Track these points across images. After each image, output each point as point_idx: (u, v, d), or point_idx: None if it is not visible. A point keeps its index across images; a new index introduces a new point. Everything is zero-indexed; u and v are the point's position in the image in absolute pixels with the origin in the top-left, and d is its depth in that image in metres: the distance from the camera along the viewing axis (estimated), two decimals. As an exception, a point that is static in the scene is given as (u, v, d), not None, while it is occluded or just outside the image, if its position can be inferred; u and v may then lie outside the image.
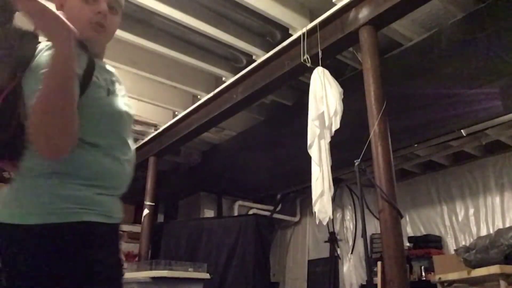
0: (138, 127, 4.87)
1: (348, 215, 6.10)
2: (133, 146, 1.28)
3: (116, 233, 1.22)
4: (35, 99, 0.99)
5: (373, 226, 5.24)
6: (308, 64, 2.96)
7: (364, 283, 5.47)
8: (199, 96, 4.27)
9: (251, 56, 3.61)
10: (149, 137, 4.90)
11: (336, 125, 2.67)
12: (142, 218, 4.69)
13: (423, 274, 4.89)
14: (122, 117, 1.22)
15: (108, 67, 1.32)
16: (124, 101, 1.27)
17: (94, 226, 1.09)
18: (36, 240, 1.02)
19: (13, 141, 1.10)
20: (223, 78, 3.96)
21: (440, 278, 3.56)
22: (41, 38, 1.15)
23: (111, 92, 1.22)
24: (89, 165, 1.12)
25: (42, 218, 1.03)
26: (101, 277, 1.07)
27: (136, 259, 4.97)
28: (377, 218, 2.29)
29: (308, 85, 2.89)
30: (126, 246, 5.87)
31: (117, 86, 1.29)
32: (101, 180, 1.14)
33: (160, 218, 6.90)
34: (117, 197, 1.20)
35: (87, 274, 1.05)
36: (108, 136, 1.17)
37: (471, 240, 4.38)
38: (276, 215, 6.51)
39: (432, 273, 4.29)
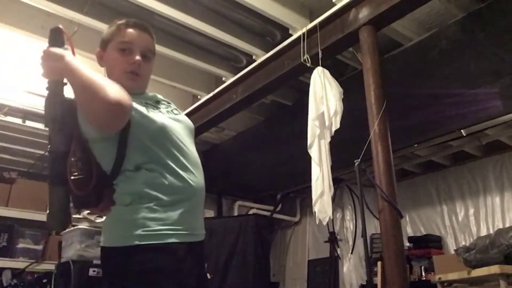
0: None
1: (348, 215, 6.10)
2: (194, 154, 1.42)
3: (201, 247, 1.42)
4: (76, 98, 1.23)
5: (373, 226, 5.24)
6: (308, 64, 2.96)
7: (364, 283, 5.46)
8: (199, 96, 4.27)
9: (251, 56, 3.61)
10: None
11: (336, 125, 2.67)
12: (142, 218, 4.68)
13: (423, 274, 4.88)
14: (165, 128, 1.34)
15: (150, 94, 1.50)
16: (168, 116, 1.41)
17: (178, 245, 1.27)
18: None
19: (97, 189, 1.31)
20: (223, 78, 3.96)
21: (440, 278, 3.56)
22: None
23: (150, 109, 1.36)
24: (155, 186, 1.28)
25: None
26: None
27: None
28: (377, 218, 2.29)
29: (308, 85, 2.89)
30: (126, 246, 5.87)
31: (162, 105, 1.45)
32: (171, 196, 1.29)
33: (160, 218, 6.89)
34: (195, 210, 1.37)
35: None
36: (160, 153, 1.31)
37: (471, 240, 4.38)
38: (276, 215, 6.51)
39: (432, 273, 4.29)
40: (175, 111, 1.47)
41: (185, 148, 1.37)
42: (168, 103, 1.52)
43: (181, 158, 1.34)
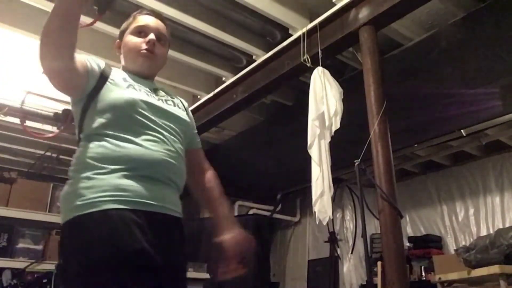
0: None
1: (348, 215, 6.10)
2: (168, 136, 1.37)
3: (172, 222, 1.32)
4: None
5: (373, 226, 5.24)
6: (308, 64, 2.96)
7: (364, 283, 5.46)
8: (199, 96, 4.27)
9: (251, 56, 3.61)
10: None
11: (336, 125, 2.67)
12: (142, 218, 4.68)
13: (423, 274, 4.89)
14: (136, 104, 1.33)
15: (153, 83, 1.54)
16: (152, 98, 1.42)
17: (116, 213, 1.19)
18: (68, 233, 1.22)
19: None
20: (223, 78, 3.96)
21: (440, 278, 3.56)
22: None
23: (132, 87, 1.38)
24: (96, 155, 1.26)
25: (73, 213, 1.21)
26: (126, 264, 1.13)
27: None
28: (377, 218, 2.29)
29: (308, 85, 2.89)
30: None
31: (155, 92, 1.48)
32: (114, 164, 1.25)
33: (160, 218, 6.89)
34: (153, 181, 1.28)
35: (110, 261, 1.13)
36: (122, 123, 1.31)
37: (471, 240, 4.38)
38: (276, 215, 6.50)
39: (432, 273, 4.28)
40: (168, 102, 1.48)
41: (154, 127, 1.34)
42: (168, 94, 1.54)
43: (142, 131, 1.30)
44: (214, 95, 3.99)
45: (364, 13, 2.70)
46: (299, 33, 3.09)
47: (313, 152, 2.67)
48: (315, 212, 2.58)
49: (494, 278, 3.16)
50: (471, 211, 5.08)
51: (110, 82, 1.36)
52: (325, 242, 6.03)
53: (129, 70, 1.48)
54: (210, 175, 1.61)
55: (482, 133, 4.46)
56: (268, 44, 3.51)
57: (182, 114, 1.48)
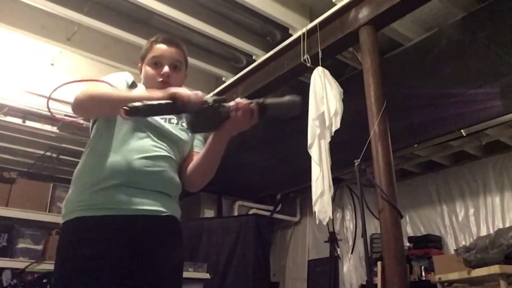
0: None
1: (348, 215, 6.09)
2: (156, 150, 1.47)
3: (146, 221, 1.37)
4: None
5: (373, 226, 5.24)
6: (308, 64, 2.96)
7: (364, 283, 5.46)
8: (199, 96, 4.27)
9: (251, 56, 3.61)
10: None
11: (336, 125, 2.67)
12: (142, 218, 4.68)
13: (423, 274, 4.89)
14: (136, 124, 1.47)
15: None
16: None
17: (84, 219, 1.33)
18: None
19: None
20: (223, 78, 3.95)
21: (440, 278, 3.56)
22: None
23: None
24: (79, 172, 1.46)
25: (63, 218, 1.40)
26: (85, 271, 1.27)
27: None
28: (377, 218, 2.29)
29: (308, 85, 2.89)
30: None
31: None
32: (90, 178, 1.40)
33: (160, 218, 6.88)
34: (123, 188, 1.37)
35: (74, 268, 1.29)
36: (100, 140, 1.47)
37: (471, 240, 4.38)
38: (276, 215, 6.51)
39: (432, 273, 4.28)
40: (172, 120, 1.59)
41: (146, 143, 1.47)
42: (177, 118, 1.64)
43: (121, 143, 1.44)
44: (214, 95, 3.98)
45: (364, 13, 2.70)
46: (299, 33, 3.09)
47: (313, 152, 2.67)
48: (315, 212, 2.58)
49: (494, 278, 3.16)
50: (471, 211, 5.08)
51: None
52: (325, 242, 6.03)
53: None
54: None
55: (482, 133, 4.46)
56: (268, 44, 3.50)
57: (182, 134, 1.57)
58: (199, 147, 1.67)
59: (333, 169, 2.68)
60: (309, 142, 2.70)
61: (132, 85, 1.59)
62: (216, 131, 1.43)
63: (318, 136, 2.69)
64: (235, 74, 3.78)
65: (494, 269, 3.07)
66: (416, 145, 4.72)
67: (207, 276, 3.92)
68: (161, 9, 3.03)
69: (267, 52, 3.44)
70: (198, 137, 1.69)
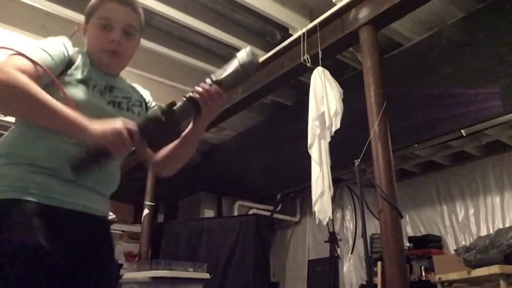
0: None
1: (348, 215, 6.10)
2: None
3: (82, 219, 1.17)
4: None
5: (373, 226, 5.23)
6: (308, 64, 2.96)
7: (364, 283, 5.47)
8: (199, 96, 4.27)
9: (251, 56, 3.61)
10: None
11: (336, 125, 2.67)
12: (142, 218, 4.69)
13: (423, 274, 4.89)
14: (78, 105, 1.18)
15: (119, 81, 1.40)
16: (102, 100, 1.29)
17: (20, 204, 1.09)
18: None
19: None
20: (223, 78, 3.95)
21: (440, 278, 3.56)
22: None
23: (85, 85, 1.26)
24: (16, 142, 1.19)
25: None
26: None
27: (136, 259, 4.97)
28: (377, 218, 2.29)
29: (308, 85, 2.89)
30: (126, 246, 5.88)
31: (114, 92, 1.34)
32: (37, 160, 1.15)
33: (160, 218, 6.89)
34: (66, 180, 1.15)
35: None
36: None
37: (471, 240, 4.38)
38: (276, 215, 6.51)
39: (432, 273, 4.28)
40: (122, 104, 1.34)
41: None
42: (127, 92, 1.39)
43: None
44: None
45: (364, 13, 2.70)
46: (299, 33, 3.09)
47: (313, 152, 2.67)
48: (315, 212, 2.58)
49: (494, 278, 3.16)
50: (471, 211, 5.08)
51: (68, 75, 1.23)
52: (325, 242, 6.03)
53: (91, 61, 1.32)
54: None
55: (482, 133, 4.46)
56: (268, 44, 3.51)
57: (132, 117, 1.28)
58: None
59: (333, 169, 2.69)
60: (309, 142, 2.71)
61: (73, 55, 1.28)
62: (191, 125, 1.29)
63: (318, 136, 2.69)
64: (235, 74, 3.77)
65: (494, 269, 3.06)
66: (416, 145, 4.72)
67: (207, 276, 3.92)
68: (161, 9, 3.03)
69: (267, 52, 3.44)
70: None
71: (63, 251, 1.11)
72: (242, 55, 1.19)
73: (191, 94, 1.19)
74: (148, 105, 1.47)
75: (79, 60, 1.28)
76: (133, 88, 1.47)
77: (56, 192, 1.14)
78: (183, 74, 4.06)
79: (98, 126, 1.09)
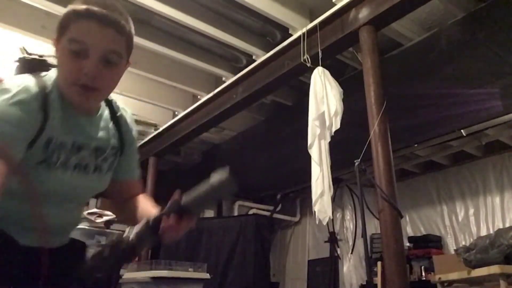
0: (138, 127, 4.84)
1: (348, 215, 6.10)
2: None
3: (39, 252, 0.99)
4: None
5: (373, 226, 5.23)
6: (308, 64, 2.96)
7: (364, 283, 5.46)
8: (199, 96, 4.27)
9: (251, 56, 3.61)
10: (149, 137, 4.91)
11: (336, 125, 2.67)
12: (142, 218, 4.68)
13: (423, 274, 4.89)
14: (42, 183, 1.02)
15: (102, 118, 1.13)
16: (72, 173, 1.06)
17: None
18: None
19: None
20: (223, 78, 3.96)
21: (440, 278, 3.55)
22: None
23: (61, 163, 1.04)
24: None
25: None
26: None
27: (136, 259, 4.97)
28: (377, 218, 2.29)
29: (308, 85, 2.89)
30: (126, 246, 5.87)
31: (83, 152, 1.09)
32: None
33: (160, 218, 6.89)
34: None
35: None
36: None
37: (471, 240, 4.37)
38: (276, 215, 6.51)
39: (432, 273, 4.28)
40: (89, 167, 1.10)
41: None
42: (100, 148, 1.13)
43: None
44: (214, 95, 3.99)
45: (364, 13, 2.70)
46: (299, 33, 3.09)
47: (313, 152, 2.67)
48: (315, 212, 2.58)
49: (494, 278, 3.16)
50: (471, 211, 5.08)
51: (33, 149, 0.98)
52: (325, 242, 6.03)
53: (61, 94, 1.04)
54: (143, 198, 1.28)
55: (482, 133, 4.46)
56: (268, 44, 3.51)
57: (98, 179, 1.13)
58: (137, 172, 1.27)
59: (333, 169, 2.69)
60: (309, 142, 2.71)
61: (45, 102, 0.99)
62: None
63: (318, 136, 2.69)
64: (235, 74, 3.78)
65: (494, 269, 3.06)
66: (416, 145, 4.72)
67: (207, 276, 3.92)
68: (161, 9, 3.04)
69: (267, 52, 3.44)
70: (127, 161, 1.24)
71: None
72: (216, 177, 0.98)
73: (151, 221, 1.00)
74: (127, 146, 1.22)
75: (52, 98, 1.01)
76: (116, 124, 1.17)
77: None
78: (183, 74, 4.06)
79: None
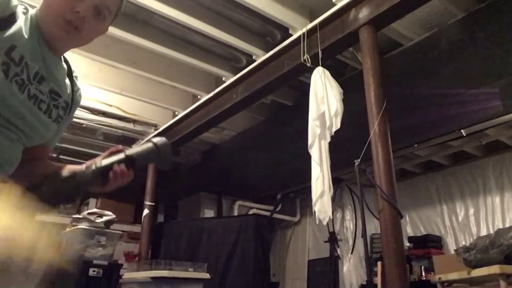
0: (138, 127, 4.87)
1: (348, 215, 6.10)
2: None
3: None
4: None
5: (373, 226, 5.24)
6: (308, 64, 2.96)
7: (364, 283, 5.46)
8: (199, 96, 4.27)
9: (251, 56, 3.61)
10: (149, 137, 4.91)
11: (336, 125, 2.67)
12: (142, 218, 4.69)
13: (423, 274, 4.89)
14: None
15: (58, 66, 1.13)
16: (25, 93, 1.02)
17: None
18: None
19: None
20: (223, 78, 3.96)
21: (440, 278, 3.56)
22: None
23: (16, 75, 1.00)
24: None
25: None
26: None
27: (136, 259, 4.97)
28: (377, 218, 2.29)
29: (308, 85, 2.89)
30: (126, 246, 5.88)
31: (44, 83, 1.07)
32: None
33: (160, 218, 6.89)
34: None
35: None
36: None
37: (471, 240, 4.38)
38: (276, 215, 6.51)
39: (432, 273, 4.29)
40: (42, 105, 1.07)
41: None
42: (58, 85, 1.12)
43: None
44: (214, 95, 3.99)
45: (364, 13, 2.70)
46: (299, 33, 3.09)
47: (314, 152, 2.67)
48: (315, 212, 2.58)
49: (494, 278, 3.16)
50: (471, 211, 5.08)
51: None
52: (325, 242, 6.03)
53: (37, 26, 1.05)
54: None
55: (482, 133, 4.46)
56: (268, 44, 3.51)
57: (45, 124, 1.10)
58: (54, 141, 1.23)
59: (333, 169, 2.68)
60: (309, 142, 2.71)
61: (9, 18, 0.98)
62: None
63: (319, 136, 2.69)
64: (235, 74, 3.78)
65: (494, 269, 3.07)
66: (416, 145, 4.72)
67: (207, 276, 3.92)
68: (161, 9, 3.03)
69: (267, 52, 3.44)
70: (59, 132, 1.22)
71: None
72: (157, 139, 1.16)
73: (99, 165, 1.08)
74: (73, 109, 1.22)
75: (20, 21, 1.00)
76: (71, 80, 1.19)
77: None
78: (183, 74, 4.06)
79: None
